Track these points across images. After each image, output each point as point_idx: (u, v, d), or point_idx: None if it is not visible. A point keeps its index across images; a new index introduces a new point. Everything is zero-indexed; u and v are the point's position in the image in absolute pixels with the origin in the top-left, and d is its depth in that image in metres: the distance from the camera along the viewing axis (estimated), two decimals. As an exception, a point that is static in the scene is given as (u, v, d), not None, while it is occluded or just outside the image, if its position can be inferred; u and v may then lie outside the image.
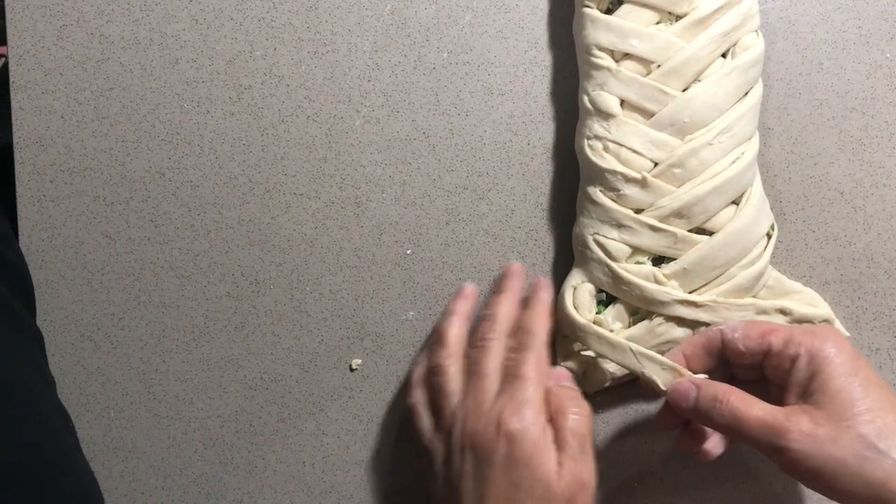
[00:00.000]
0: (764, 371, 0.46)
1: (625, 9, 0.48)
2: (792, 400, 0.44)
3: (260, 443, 0.55)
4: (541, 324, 0.48)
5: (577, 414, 0.45)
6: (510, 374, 0.46)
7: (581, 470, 0.44)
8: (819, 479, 0.42)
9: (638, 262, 0.50)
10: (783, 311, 0.50)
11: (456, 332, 0.50)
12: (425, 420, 0.49)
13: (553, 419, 0.45)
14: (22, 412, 0.45)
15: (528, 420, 0.44)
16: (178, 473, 0.54)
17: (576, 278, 0.51)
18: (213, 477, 0.54)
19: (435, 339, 0.50)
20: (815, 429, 0.41)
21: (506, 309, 0.50)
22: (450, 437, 0.47)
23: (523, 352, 0.47)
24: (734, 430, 0.44)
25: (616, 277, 0.49)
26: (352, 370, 0.54)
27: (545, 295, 0.50)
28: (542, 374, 0.46)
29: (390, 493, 0.55)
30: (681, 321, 0.49)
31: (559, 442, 0.44)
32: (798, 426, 0.42)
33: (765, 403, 0.43)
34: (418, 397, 0.50)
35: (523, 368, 0.46)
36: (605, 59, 0.49)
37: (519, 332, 0.48)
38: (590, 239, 0.50)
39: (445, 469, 0.47)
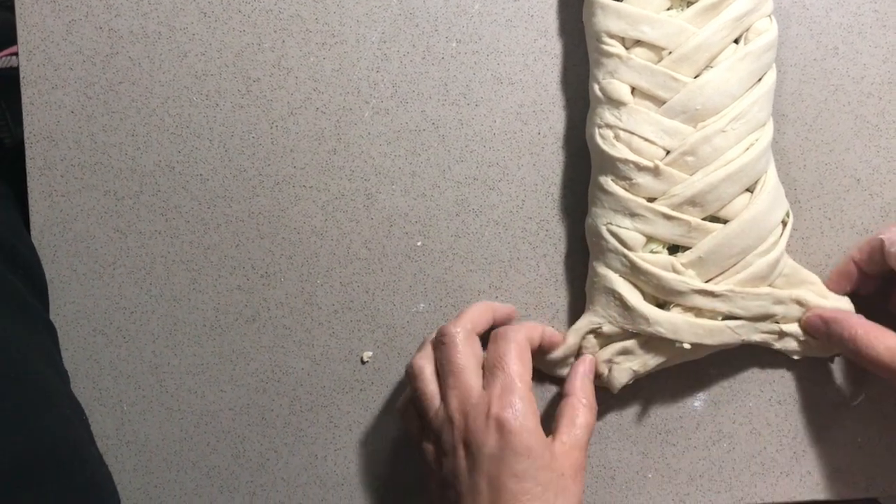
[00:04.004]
0: None
1: (635, -5, 0.48)
2: None
3: (272, 435, 0.55)
4: (517, 332, 0.48)
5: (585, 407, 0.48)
6: (494, 367, 0.47)
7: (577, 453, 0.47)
8: None
9: (653, 252, 0.49)
10: (800, 302, 0.49)
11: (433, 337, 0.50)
12: (413, 424, 0.50)
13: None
14: (36, 406, 0.45)
15: (519, 411, 0.45)
16: (191, 466, 0.55)
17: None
18: (226, 470, 0.55)
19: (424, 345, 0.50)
20: None
21: (475, 309, 0.50)
22: (439, 439, 0.47)
23: (503, 342, 0.47)
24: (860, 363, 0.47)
25: (634, 267, 0.49)
26: (363, 362, 0.54)
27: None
28: (525, 365, 0.47)
29: (402, 484, 0.55)
30: (698, 311, 0.49)
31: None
32: None
33: (889, 339, 0.45)
34: (402, 401, 0.51)
35: (506, 360, 0.47)
36: (615, 47, 0.48)
37: (495, 335, 0.49)
38: (603, 229, 0.49)
39: (438, 469, 0.47)
